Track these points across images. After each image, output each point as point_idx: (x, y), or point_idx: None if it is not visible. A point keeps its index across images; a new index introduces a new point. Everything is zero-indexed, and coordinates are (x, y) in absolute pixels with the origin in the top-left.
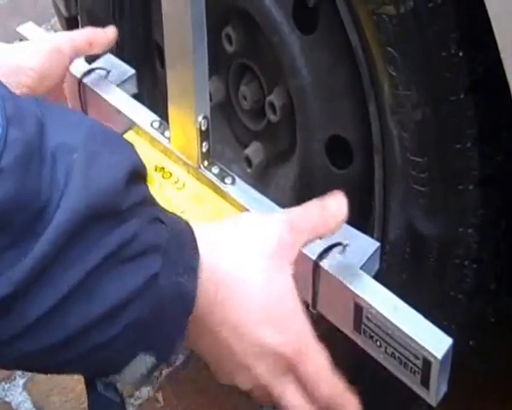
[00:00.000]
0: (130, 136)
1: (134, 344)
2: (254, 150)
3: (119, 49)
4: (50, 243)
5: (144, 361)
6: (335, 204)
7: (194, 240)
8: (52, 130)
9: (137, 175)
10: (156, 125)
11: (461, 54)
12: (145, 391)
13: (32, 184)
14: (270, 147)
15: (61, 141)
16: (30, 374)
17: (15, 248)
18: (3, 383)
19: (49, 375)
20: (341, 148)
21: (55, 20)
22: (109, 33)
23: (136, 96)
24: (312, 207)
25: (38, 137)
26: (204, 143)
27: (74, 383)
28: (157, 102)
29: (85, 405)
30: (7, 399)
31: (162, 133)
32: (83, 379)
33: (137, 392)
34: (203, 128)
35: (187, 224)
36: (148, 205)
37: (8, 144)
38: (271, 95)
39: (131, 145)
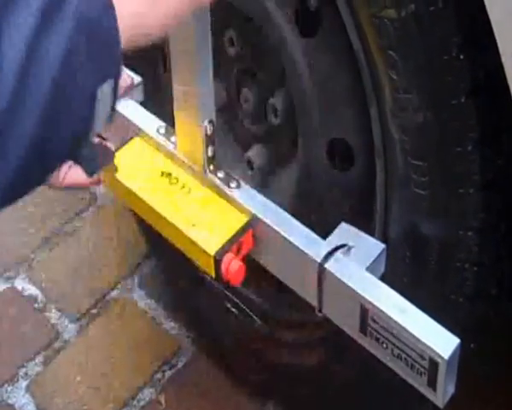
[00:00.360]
0: (137, 142)
1: (90, 77)
2: (256, 153)
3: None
4: None
5: (105, 91)
6: None
7: None
8: None
9: None
10: (162, 130)
11: (462, 57)
12: (148, 393)
13: None
14: (272, 149)
15: None
16: (33, 376)
17: None
18: (6, 385)
19: (51, 376)
20: (343, 151)
21: None
22: (124, 78)
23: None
24: None
25: None
26: (209, 148)
27: (77, 385)
28: (160, 106)
29: (87, 407)
30: (10, 401)
31: (168, 139)
32: (85, 382)
33: (140, 394)
34: (208, 133)
35: None
36: None
37: None
38: (273, 98)
39: None
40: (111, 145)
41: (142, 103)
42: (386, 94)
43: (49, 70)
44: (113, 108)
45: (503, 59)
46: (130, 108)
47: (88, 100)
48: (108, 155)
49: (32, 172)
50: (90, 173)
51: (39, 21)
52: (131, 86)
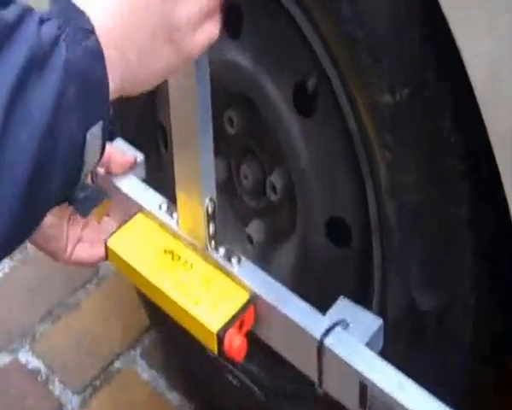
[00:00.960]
0: (139, 219)
1: (79, 123)
2: (255, 228)
3: (123, 130)
4: None
5: (95, 133)
6: None
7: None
8: None
9: None
10: (164, 207)
11: (453, 140)
12: None
13: None
14: (271, 225)
15: None
16: None
17: None
18: None
19: None
20: (340, 228)
21: None
22: (128, 156)
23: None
24: None
25: None
26: (211, 225)
27: None
28: (161, 184)
29: None
30: None
31: (170, 215)
32: None
33: None
34: (210, 210)
35: None
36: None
37: None
38: (272, 175)
39: None
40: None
41: (144, 180)
42: (382, 174)
43: (36, 118)
44: (102, 149)
45: (495, 147)
46: (133, 185)
47: (78, 144)
48: (100, 194)
49: (25, 219)
50: (83, 214)
51: (26, 71)
52: (134, 164)
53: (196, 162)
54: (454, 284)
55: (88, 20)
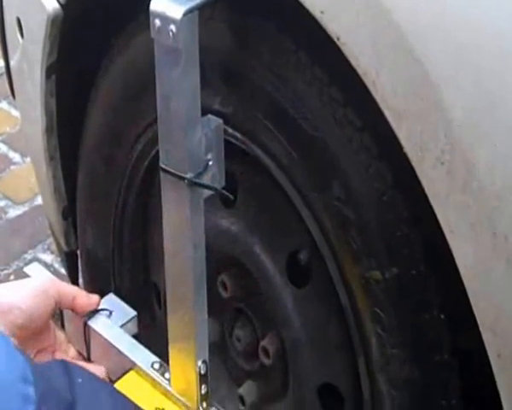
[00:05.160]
0: (131, 377)
1: None
2: (248, 389)
3: (117, 288)
4: None
5: None
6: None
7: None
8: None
9: None
10: (157, 366)
11: (442, 316)
12: None
13: None
14: (264, 387)
15: None
16: None
17: None
18: None
19: None
20: (333, 395)
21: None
22: (93, 299)
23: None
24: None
25: None
26: (203, 386)
27: None
28: (154, 341)
29: None
30: None
31: (162, 375)
32: None
33: None
34: (202, 372)
35: None
36: None
37: None
38: (264, 340)
39: None
40: None
41: (137, 336)
42: (373, 348)
43: None
44: None
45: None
46: (126, 342)
47: None
48: None
49: None
50: None
51: None
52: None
53: (190, 325)
54: None
55: None
